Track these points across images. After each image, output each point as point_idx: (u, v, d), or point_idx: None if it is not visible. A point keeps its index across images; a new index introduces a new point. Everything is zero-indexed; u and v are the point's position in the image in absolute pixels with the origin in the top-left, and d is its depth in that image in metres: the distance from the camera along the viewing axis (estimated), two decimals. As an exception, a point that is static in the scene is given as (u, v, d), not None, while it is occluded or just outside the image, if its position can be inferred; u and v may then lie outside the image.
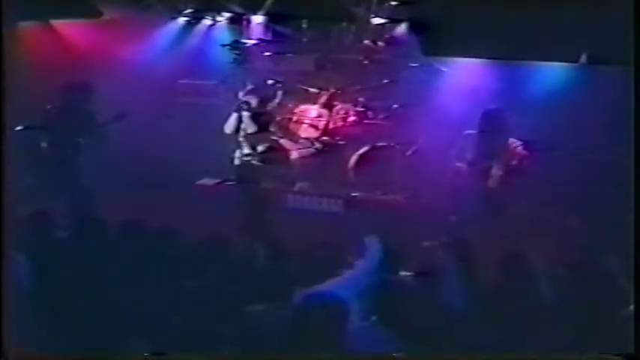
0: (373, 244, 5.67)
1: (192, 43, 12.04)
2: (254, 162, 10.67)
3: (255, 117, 10.63)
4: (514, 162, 9.72)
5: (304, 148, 11.40)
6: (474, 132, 9.63)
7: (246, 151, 10.74)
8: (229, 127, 10.90)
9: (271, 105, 11.41)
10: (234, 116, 10.70)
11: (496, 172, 9.43)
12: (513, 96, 10.20)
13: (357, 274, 5.32)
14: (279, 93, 11.60)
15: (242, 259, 6.36)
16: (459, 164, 9.57)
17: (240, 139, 10.52)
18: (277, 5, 11.35)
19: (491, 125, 9.51)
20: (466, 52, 10.67)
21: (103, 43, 11.28)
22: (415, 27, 10.86)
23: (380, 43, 10.99)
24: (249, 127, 10.62)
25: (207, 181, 11.11)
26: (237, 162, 10.71)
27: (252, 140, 10.79)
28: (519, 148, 9.78)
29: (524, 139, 9.82)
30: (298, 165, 11.35)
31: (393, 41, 10.99)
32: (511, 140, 9.76)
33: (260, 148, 10.97)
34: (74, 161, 9.97)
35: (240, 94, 10.42)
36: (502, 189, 9.78)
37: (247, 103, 10.59)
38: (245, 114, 10.52)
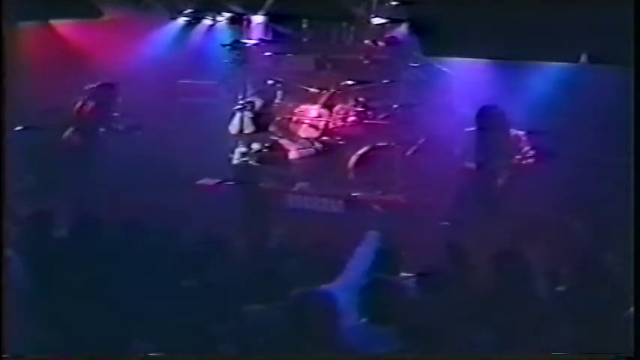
0: (371, 241, 5.66)
1: (192, 43, 12.04)
2: (251, 162, 10.70)
3: (256, 118, 10.66)
4: (519, 158, 9.75)
5: (304, 148, 11.39)
6: (474, 129, 9.65)
7: (242, 149, 10.77)
8: (234, 127, 10.92)
9: (273, 106, 11.44)
10: (238, 116, 10.72)
11: (504, 173, 9.51)
12: (513, 96, 10.20)
13: (355, 272, 5.32)
14: (279, 93, 11.61)
15: (242, 259, 6.37)
16: (469, 164, 9.58)
17: (240, 139, 10.58)
18: (277, 5, 11.35)
19: (492, 122, 9.54)
20: (466, 52, 10.67)
21: (102, 44, 11.28)
22: (415, 27, 10.86)
23: (380, 43, 10.97)
24: (248, 127, 10.65)
25: (207, 181, 11.10)
26: (235, 162, 10.75)
27: (250, 140, 10.82)
28: (524, 141, 9.78)
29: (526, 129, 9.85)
30: (298, 165, 11.35)
31: (393, 41, 10.97)
32: (513, 132, 9.77)
33: (256, 147, 10.98)
34: (73, 161, 10.00)
35: (247, 94, 10.46)
36: (502, 189, 9.79)
37: (251, 103, 10.62)
38: (247, 114, 10.55)
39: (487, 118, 9.60)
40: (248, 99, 10.87)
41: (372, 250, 5.59)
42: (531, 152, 9.74)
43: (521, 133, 9.76)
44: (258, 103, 11.48)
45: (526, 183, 9.70)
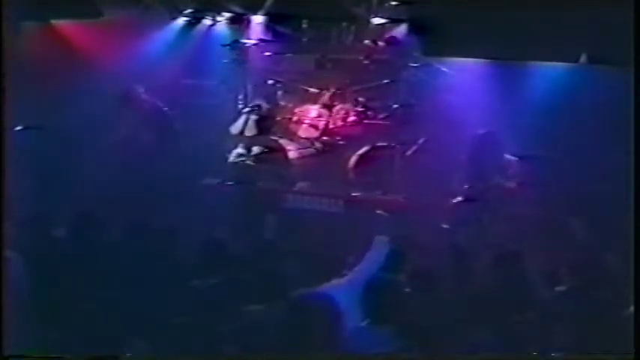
0: (381, 246, 5.66)
1: (192, 43, 12.03)
2: (248, 162, 10.71)
3: (260, 121, 10.67)
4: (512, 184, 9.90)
5: (304, 148, 11.39)
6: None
7: (240, 151, 10.78)
8: (236, 128, 10.93)
9: (277, 109, 11.44)
10: (243, 118, 10.73)
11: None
12: (513, 96, 10.21)
13: (362, 275, 5.32)
14: (279, 93, 11.60)
15: (242, 259, 6.37)
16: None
17: (240, 140, 10.61)
18: (277, 5, 11.34)
19: (486, 148, 9.70)
20: (466, 52, 10.66)
21: (103, 44, 11.27)
22: (415, 27, 10.86)
23: (380, 43, 10.98)
24: (250, 130, 10.67)
25: (207, 181, 11.11)
26: (234, 162, 10.75)
27: (251, 141, 10.82)
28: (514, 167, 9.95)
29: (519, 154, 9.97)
30: (298, 165, 11.34)
31: (393, 41, 10.97)
32: (507, 157, 9.91)
33: (256, 150, 10.99)
34: (73, 163, 10.02)
35: (253, 97, 10.53)
36: (502, 189, 9.81)
37: (259, 106, 10.63)
38: (252, 117, 10.58)
39: (480, 141, 9.80)
40: (256, 102, 10.86)
41: (381, 254, 5.60)
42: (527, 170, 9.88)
43: (513, 158, 9.91)
44: (265, 106, 11.46)
45: (523, 183, 9.73)
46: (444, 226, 9.50)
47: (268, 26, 11.67)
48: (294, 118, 11.50)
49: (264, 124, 11.06)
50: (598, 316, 5.20)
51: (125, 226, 6.94)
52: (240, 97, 11.41)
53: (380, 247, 5.66)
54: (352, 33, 11.24)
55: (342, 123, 11.35)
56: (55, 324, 5.22)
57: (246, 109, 11.24)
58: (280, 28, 11.71)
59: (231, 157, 11.09)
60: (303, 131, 11.46)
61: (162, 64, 11.61)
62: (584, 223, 9.10)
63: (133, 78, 11.24)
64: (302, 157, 11.35)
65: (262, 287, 5.43)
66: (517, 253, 6.45)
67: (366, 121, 11.22)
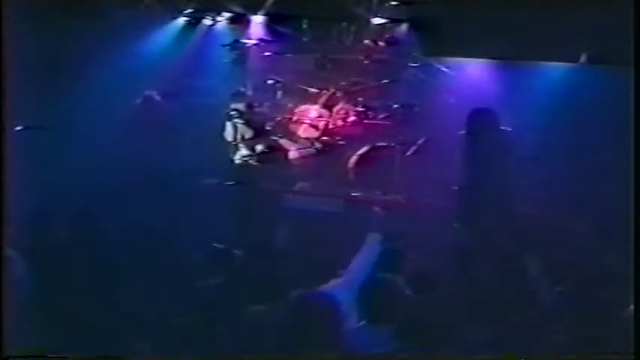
0: (374, 243, 5.66)
1: (192, 43, 12.03)
2: (252, 162, 10.72)
3: (248, 122, 10.68)
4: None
5: (304, 148, 11.40)
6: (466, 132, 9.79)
7: (245, 152, 10.79)
8: (229, 135, 10.96)
9: (262, 106, 11.44)
10: (229, 125, 10.75)
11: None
12: (513, 96, 10.21)
13: (356, 274, 5.32)
14: (279, 93, 11.61)
15: (242, 259, 6.37)
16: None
17: (240, 143, 10.62)
18: (277, 5, 11.35)
19: (484, 124, 9.65)
20: (466, 52, 10.68)
21: (103, 44, 11.26)
22: (415, 27, 10.87)
23: (380, 43, 11.00)
24: (246, 132, 10.69)
25: (207, 181, 11.11)
26: (236, 163, 10.77)
27: (252, 143, 10.83)
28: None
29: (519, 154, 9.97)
30: (298, 165, 11.35)
31: (393, 41, 10.99)
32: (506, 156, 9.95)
33: (259, 148, 11.01)
34: (74, 163, 10.03)
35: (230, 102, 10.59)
36: (501, 189, 9.81)
37: (236, 110, 10.65)
38: (238, 121, 10.59)
39: (479, 120, 9.72)
40: (232, 106, 10.86)
41: (374, 251, 5.60)
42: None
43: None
44: (242, 107, 11.43)
45: (523, 183, 9.71)
46: (454, 226, 9.50)
47: (268, 26, 11.68)
48: (294, 118, 11.51)
49: (255, 123, 11.06)
50: (598, 316, 5.20)
51: (126, 226, 6.93)
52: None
53: (372, 244, 5.65)
54: (352, 33, 11.26)
55: (342, 123, 11.37)
56: (55, 324, 5.22)
57: (226, 117, 11.23)
58: (280, 28, 11.72)
59: (236, 158, 11.11)
60: (303, 131, 11.48)
61: (163, 64, 11.61)
62: (584, 222, 9.10)
63: (133, 78, 11.23)
64: (302, 157, 11.36)
65: (262, 287, 5.43)
66: (517, 252, 6.45)
67: (366, 121, 11.25)
